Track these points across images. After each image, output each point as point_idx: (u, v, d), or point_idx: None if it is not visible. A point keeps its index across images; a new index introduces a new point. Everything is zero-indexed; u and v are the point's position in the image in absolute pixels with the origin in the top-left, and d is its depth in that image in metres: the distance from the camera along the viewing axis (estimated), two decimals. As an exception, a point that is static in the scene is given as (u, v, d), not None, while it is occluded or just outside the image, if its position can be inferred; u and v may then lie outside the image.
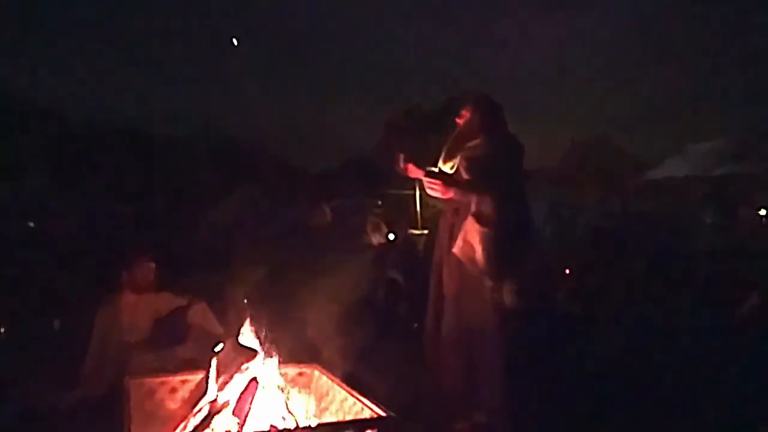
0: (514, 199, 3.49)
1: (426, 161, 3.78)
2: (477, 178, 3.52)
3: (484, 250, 3.36)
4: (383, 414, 2.66)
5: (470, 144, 3.62)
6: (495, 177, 3.47)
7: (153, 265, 4.32)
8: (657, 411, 3.61)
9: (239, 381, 2.82)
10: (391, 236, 6.41)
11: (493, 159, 3.52)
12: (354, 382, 3.11)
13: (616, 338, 4.19)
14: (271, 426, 2.69)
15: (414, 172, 3.73)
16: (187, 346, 4.12)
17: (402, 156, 3.73)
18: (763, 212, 9.31)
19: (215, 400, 2.81)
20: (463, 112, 3.75)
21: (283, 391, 2.98)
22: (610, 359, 4.11)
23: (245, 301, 3.15)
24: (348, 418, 2.85)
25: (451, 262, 3.62)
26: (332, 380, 3.24)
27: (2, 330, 4.94)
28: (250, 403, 2.71)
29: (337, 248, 6.02)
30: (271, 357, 3.01)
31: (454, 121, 3.78)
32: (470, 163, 3.56)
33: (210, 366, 2.95)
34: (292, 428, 2.69)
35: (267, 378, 2.92)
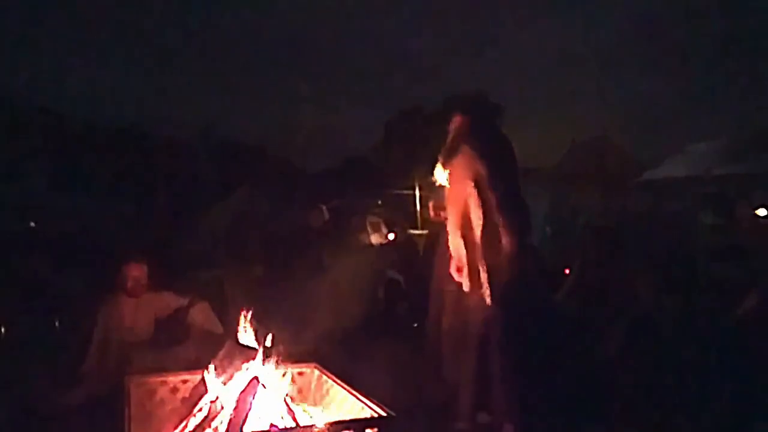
0: (506, 200, 3.42)
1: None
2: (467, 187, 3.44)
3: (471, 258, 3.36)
4: (383, 414, 2.67)
5: (460, 149, 3.53)
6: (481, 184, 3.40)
7: (145, 267, 4.31)
8: (656, 411, 3.61)
9: (239, 381, 2.82)
10: (391, 236, 6.41)
11: (478, 165, 3.44)
12: (354, 382, 3.11)
13: (615, 338, 4.19)
14: (271, 426, 2.69)
15: None
16: (188, 346, 4.12)
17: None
18: (762, 212, 9.30)
19: (215, 400, 2.81)
20: (454, 117, 3.68)
21: (282, 391, 2.98)
22: (608, 359, 4.11)
23: (245, 300, 3.15)
24: (348, 418, 2.85)
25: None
26: (332, 380, 3.24)
27: (2, 330, 4.93)
28: (250, 403, 2.71)
29: (337, 248, 6.03)
30: (272, 356, 3.02)
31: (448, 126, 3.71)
32: (459, 172, 3.49)
33: (211, 365, 2.95)
34: (292, 428, 2.69)
35: (267, 378, 2.92)
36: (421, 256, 6.83)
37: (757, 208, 9.13)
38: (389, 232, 6.28)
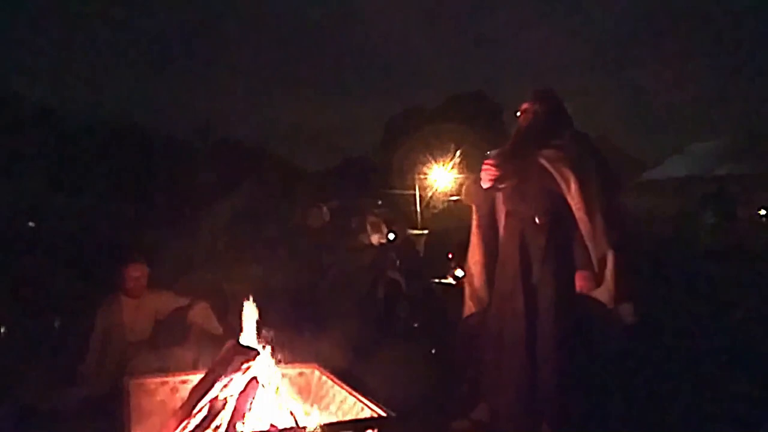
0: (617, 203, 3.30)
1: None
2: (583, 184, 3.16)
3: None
4: (383, 414, 2.67)
5: (555, 142, 3.27)
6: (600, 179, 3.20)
7: (145, 268, 4.30)
8: (655, 411, 3.61)
9: (239, 381, 2.82)
10: (391, 236, 6.41)
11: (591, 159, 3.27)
12: (354, 382, 3.11)
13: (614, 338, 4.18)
14: (271, 426, 2.69)
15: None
16: (187, 346, 4.12)
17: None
18: (763, 212, 9.31)
19: (215, 399, 2.81)
20: (530, 106, 3.36)
21: (282, 391, 2.98)
22: (608, 359, 4.10)
23: (246, 300, 3.16)
24: (348, 418, 2.85)
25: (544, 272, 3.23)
26: (332, 380, 3.24)
27: (2, 330, 4.93)
28: (251, 403, 2.71)
29: (337, 248, 6.02)
30: (272, 357, 3.02)
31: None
32: (568, 165, 3.19)
33: (210, 366, 2.95)
34: (292, 428, 2.69)
35: (267, 378, 2.92)
36: (421, 256, 6.84)
37: (759, 209, 9.14)
38: (389, 232, 6.27)
